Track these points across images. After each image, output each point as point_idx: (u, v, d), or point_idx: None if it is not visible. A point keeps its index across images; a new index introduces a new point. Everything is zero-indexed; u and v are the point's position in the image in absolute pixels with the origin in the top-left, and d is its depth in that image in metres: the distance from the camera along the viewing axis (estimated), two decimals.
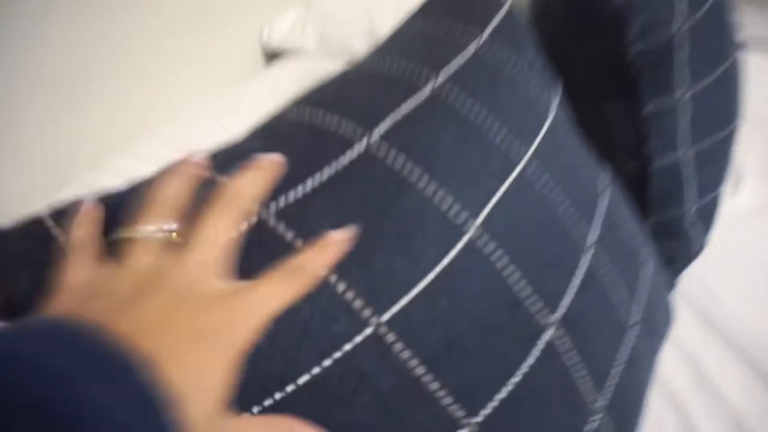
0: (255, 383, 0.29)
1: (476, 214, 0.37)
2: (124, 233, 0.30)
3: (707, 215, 0.74)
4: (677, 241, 0.72)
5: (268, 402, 0.30)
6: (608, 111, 0.65)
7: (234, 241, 0.31)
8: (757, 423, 0.61)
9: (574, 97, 0.67)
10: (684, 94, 0.62)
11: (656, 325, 0.53)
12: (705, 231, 0.74)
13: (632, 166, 0.68)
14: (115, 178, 0.40)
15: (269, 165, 0.34)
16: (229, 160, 0.36)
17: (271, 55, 0.97)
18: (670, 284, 0.74)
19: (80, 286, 0.29)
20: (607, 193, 0.49)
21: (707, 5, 0.58)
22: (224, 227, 0.30)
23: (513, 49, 0.47)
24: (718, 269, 0.78)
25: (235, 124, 0.50)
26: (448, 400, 0.33)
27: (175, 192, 0.32)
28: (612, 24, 0.56)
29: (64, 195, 0.51)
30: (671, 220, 0.71)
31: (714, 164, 0.70)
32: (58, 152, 0.75)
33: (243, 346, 0.27)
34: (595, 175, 0.49)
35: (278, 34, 0.94)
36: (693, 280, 0.76)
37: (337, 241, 0.32)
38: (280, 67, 0.89)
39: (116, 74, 0.77)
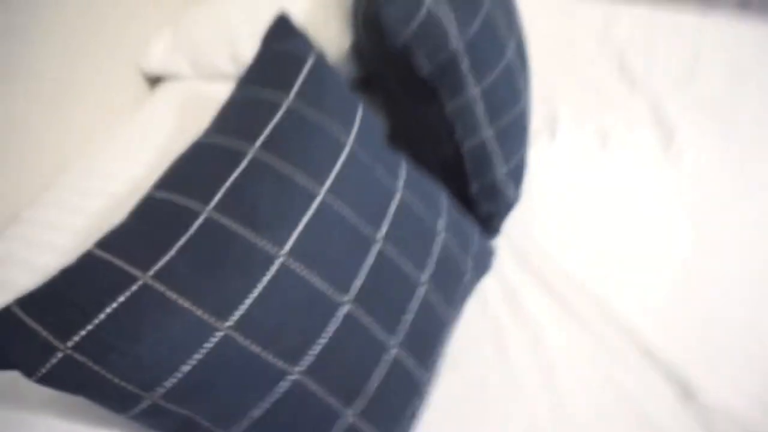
0: None
1: (282, 245, 0.52)
2: None
3: (516, 173, 0.90)
4: (495, 199, 0.88)
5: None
6: (422, 113, 0.79)
7: None
8: (558, 349, 0.78)
9: (397, 106, 0.82)
10: (473, 91, 0.77)
11: (456, 275, 0.70)
12: (516, 186, 0.91)
13: (449, 150, 0.83)
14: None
15: None
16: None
17: (154, 79, 1.05)
18: (494, 232, 0.92)
19: None
20: (397, 196, 0.63)
21: (477, 24, 0.72)
22: None
23: (314, 103, 0.60)
24: (537, 213, 0.96)
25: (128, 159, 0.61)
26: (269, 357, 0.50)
27: None
28: (403, 56, 0.69)
29: None
30: (487, 185, 0.87)
31: (513, 136, 0.86)
32: None
33: None
34: (388, 184, 0.64)
35: (154, 60, 1.01)
36: (515, 223, 0.94)
37: None
38: (160, 94, 0.97)
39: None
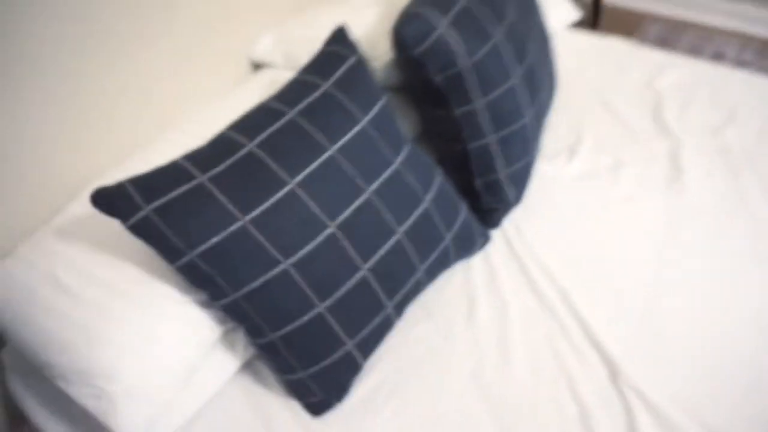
0: None
1: (294, 176, 0.76)
2: None
3: (517, 178, 1.07)
4: (496, 196, 1.07)
5: None
6: (436, 115, 1.00)
7: None
8: (518, 321, 0.95)
9: (420, 107, 1.03)
10: (480, 102, 0.96)
11: (432, 239, 0.90)
12: (517, 188, 1.09)
13: (458, 147, 1.03)
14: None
15: None
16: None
17: (257, 66, 1.35)
18: (493, 225, 1.10)
19: None
20: (393, 166, 0.85)
21: (483, 52, 0.92)
22: None
23: (344, 90, 0.84)
24: (535, 218, 1.12)
25: (221, 120, 0.88)
26: (270, 249, 0.74)
27: None
28: (417, 66, 0.91)
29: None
30: (490, 182, 1.05)
31: (514, 144, 1.03)
32: (56, 170, 0.97)
33: None
34: (388, 156, 0.85)
35: (259, 51, 1.31)
36: (513, 222, 1.11)
37: None
38: (257, 77, 1.26)
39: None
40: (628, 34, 2.09)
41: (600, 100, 1.36)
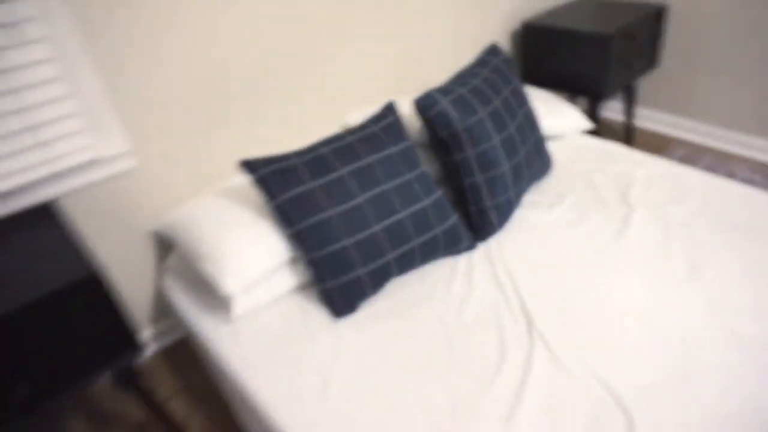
0: None
1: (362, 195, 1.38)
2: None
3: (500, 209, 1.59)
4: (484, 219, 1.59)
5: None
6: (445, 159, 1.58)
7: None
8: (481, 305, 1.45)
9: (436, 154, 1.63)
10: (470, 152, 1.53)
11: (426, 225, 1.44)
12: (499, 218, 1.60)
13: (459, 182, 1.59)
14: None
15: None
16: None
17: None
18: (481, 240, 1.60)
19: None
20: (406, 178, 1.43)
21: (472, 121, 1.51)
22: None
23: (385, 135, 1.47)
24: (512, 243, 1.61)
25: None
26: (341, 229, 1.34)
27: None
28: (430, 126, 1.52)
29: None
30: (480, 209, 1.58)
31: (496, 185, 1.57)
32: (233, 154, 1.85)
33: None
34: (404, 174, 1.44)
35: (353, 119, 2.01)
36: (496, 241, 1.61)
37: None
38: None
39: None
40: (657, 154, 2.55)
41: (586, 179, 1.86)
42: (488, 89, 1.60)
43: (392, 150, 1.46)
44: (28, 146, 1.37)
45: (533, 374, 1.19)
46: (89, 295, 1.14)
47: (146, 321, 1.82)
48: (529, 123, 1.70)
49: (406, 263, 1.45)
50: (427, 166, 1.71)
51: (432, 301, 1.42)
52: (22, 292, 1.10)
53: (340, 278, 1.36)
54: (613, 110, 3.00)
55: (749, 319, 1.26)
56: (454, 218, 1.53)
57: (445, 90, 1.54)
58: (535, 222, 1.68)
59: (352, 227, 1.36)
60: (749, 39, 2.34)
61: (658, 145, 2.69)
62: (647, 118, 2.84)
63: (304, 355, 1.31)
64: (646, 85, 2.78)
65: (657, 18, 2.42)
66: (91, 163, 1.51)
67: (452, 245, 1.54)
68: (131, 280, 1.72)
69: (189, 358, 1.84)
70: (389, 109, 1.56)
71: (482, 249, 1.59)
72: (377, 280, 1.41)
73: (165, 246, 1.76)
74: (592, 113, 2.39)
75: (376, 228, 1.37)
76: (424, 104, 1.50)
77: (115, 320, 1.22)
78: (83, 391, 1.73)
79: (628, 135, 2.68)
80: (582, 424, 1.08)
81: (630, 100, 2.63)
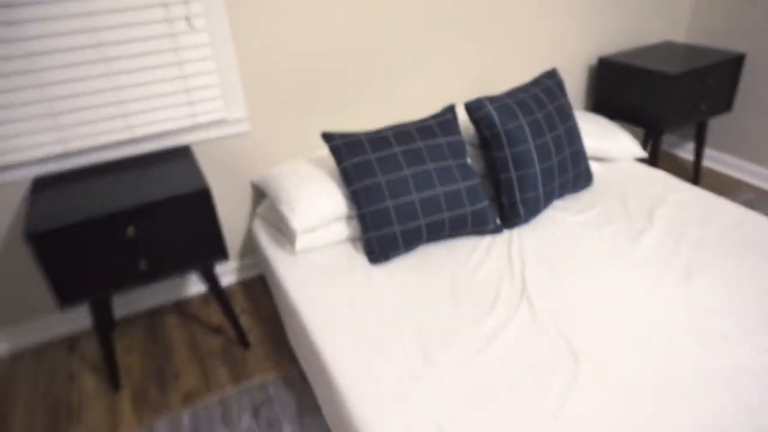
0: None
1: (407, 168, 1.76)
2: None
3: (528, 204, 1.86)
4: (513, 210, 1.88)
5: None
6: (487, 155, 1.89)
7: None
8: (487, 270, 1.74)
9: (482, 151, 1.95)
10: (507, 151, 1.83)
11: (457, 203, 1.76)
12: (527, 212, 1.87)
13: (496, 176, 1.89)
14: None
15: None
16: None
17: None
18: (508, 227, 1.89)
19: None
20: (448, 164, 1.77)
21: (512, 125, 1.81)
22: None
23: (444, 130, 1.82)
24: (533, 237, 1.88)
25: None
26: (399, 194, 1.73)
27: None
28: (476, 125, 1.84)
29: None
30: (511, 201, 1.88)
31: (527, 181, 1.85)
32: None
33: None
34: (450, 158, 1.78)
35: None
36: (519, 231, 1.89)
37: None
38: None
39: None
40: (722, 195, 2.64)
41: (621, 196, 2.07)
42: (533, 103, 1.90)
43: (441, 140, 1.80)
44: (182, 103, 1.90)
45: (512, 324, 1.46)
46: (199, 204, 1.61)
47: (235, 254, 2.30)
48: (569, 137, 1.96)
49: (435, 231, 1.78)
50: (474, 161, 2.03)
51: (450, 264, 1.74)
52: (158, 192, 1.59)
53: (380, 231, 1.73)
54: (686, 150, 3.09)
55: (727, 319, 1.44)
56: (484, 204, 1.83)
57: (493, 98, 1.86)
58: (559, 221, 1.93)
59: (395, 193, 1.72)
60: None
61: (725, 185, 2.77)
62: (718, 161, 2.91)
63: (342, 285, 1.68)
64: (719, 128, 2.87)
65: (733, 64, 2.54)
66: (220, 122, 2.01)
67: (479, 225, 1.84)
68: (230, 217, 2.21)
69: (261, 290, 2.29)
70: (448, 110, 1.91)
71: (506, 234, 1.88)
72: (409, 240, 1.76)
73: (259, 196, 2.23)
74: (654, 146, 2.56)
75: (414, 197, 1.72)
76: (474, 107, 1.83)
77: (213, 230, 1.68)
78: (183, 274, 2.24)
79: (696, 173, 2.79)
80: (539, 357, 1.34)
81: (700, 141, 2.75)
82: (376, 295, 1.62)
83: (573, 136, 1.99)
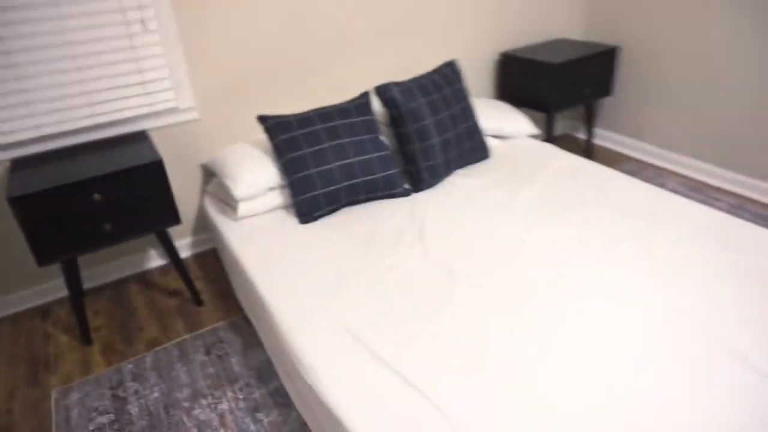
0: None
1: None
2: None
3: (431, 171, 2.27)
4: (418, 176, 2.27)
5: None
6: (395, 131, 2.29)
7: None
8: (397, 227, 2.13)
9: (392, 127, 2.36)
10: (411, 127, 2.23)
11: (369, 168, 2.15)
12: (430, 177, 2.27)
13: (403, 149, 2.29)
14: None
15: None
16: None
17: None
18: (415, 190, 2.28)
19: None
20: (363, 138, 2.15)
21: (413, 105, 2.21)
22: None
23: (359, 112, 2.21)
24: (436, 202, 2.28)
25: None
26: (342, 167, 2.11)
27: None
28: (386, 106, 2.23)
29: None
30: (416, 168, 2.27)
31: (429, 152, 2.25)
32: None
33: None
34: (363, 134, 2.16)
35: None
36: (424, 195, 2.28)
37: None
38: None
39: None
40: (609, 166, 3.12)
41: (513, 165, 2.49)
42: (432, 87, 2.31)
43: (357, 120, 2.19)
44: (139, 93, 2.24)
45: (409, 256, 1.86)
46: (154, 172, 1.95)
47: (188, 231, 2.63)
48: (463, 115, 2.38)
49: (352, 193, 2.16)
50: (390, 139, 2.43)
51: (365, 221, 2.12)
52: (119, 164, 1.92)
53: (306, 194, 2.10)
54: (584, 132, 3.58)
55: (579, 246, 1.87)
56: (394, 171, 2.23)
57: (398, 84, 2.26)
58: (458, 185, 2.34)
59: (317, 162, 2.09)
60: (689, 77, 2.89)
61: (612, 159, 3.25)
62: (607, 138, 3.40)
63: (277, 241, 2.04)
64: (607, 111, 3.36)
65: (609, 55, 3.02)
66: (172, 110, 2.35)
67: (390, 189, 2.23)
68: (183, 195, 2.54)
69: (212, 260, 2.62)
70: (363, 95, 2.30)
71: (414, 196, 2.27)
72: (330, 201, 2.13)
73: (208, 177, 2.57)
74: (549, 126, 3.01)
75: (333, 165, 2.10)
76: (381, 90, 2.23)
77: (167, 196, 2.01)
78: (142, 236, 2.55)
79: (588, 149, 3.26)
80: (426, 278, 1.73)
81: (591, 121, 3.22)
82: (303, 247, 1.98)
83: (467, 114, 2.41)
